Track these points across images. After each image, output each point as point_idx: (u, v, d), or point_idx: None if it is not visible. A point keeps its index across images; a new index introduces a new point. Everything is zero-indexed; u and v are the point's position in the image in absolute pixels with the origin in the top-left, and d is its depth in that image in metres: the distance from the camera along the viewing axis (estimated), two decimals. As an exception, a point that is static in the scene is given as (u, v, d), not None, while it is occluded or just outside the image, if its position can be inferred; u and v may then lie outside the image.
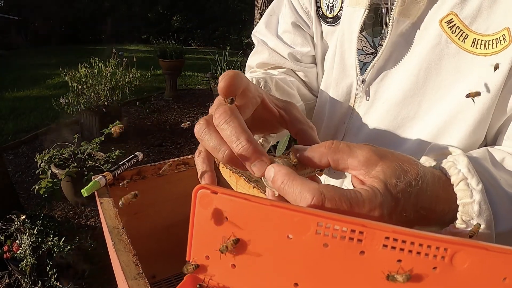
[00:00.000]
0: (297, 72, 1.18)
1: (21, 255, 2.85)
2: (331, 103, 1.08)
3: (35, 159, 3.89)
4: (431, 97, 0.90)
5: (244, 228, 0.55)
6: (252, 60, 1.23)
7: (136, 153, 1.13)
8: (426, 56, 0.87)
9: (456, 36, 0.83)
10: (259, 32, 1.22)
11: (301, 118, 0.69)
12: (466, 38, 0.82)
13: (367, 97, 0.99)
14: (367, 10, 0.93)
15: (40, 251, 2.89)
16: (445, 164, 0.63)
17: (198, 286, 0.59)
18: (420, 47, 0.89)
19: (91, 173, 3.79)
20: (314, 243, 0.52)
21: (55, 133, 6.77)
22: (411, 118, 0.93)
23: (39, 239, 2.94)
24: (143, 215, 1.09)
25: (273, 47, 1.18)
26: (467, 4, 0.81)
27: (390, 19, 0.89)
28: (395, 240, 0.49)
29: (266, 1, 6.43)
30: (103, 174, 1.02)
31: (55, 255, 2.93)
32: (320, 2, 1.08)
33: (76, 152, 4.12)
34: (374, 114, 0.99)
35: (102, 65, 6.35)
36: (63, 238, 2.99)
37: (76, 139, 4.12)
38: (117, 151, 4.00)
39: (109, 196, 0.96)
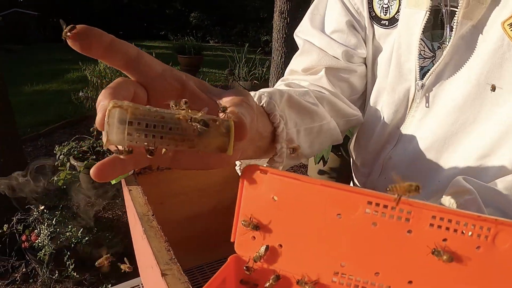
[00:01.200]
0: (346, 75, 1.07)
1: (39, 244, 2.87)
2: (385, 108, 1.03)
3: (54, 151, 3.92)
4: (492, 101, 0.85)
5: (292, 208, 0.56)
6: (297, 63, 1.12)
7: (162, 143, 1.13)
8: (488, 59, 0.83)
9: None
10: (304, 32, 1.11)
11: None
12: None
13: (427, 103, 0.95)
14: (428, 13, 0.88)
15: (58, 241, 2.92)
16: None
17: (244, 268, 0.59)
18: (481, 50, 0.85)
19: (110, 166, 3.81)
20: (363, 222, 0.53)
21: (73, 126, 6.84)
22: (470, 123, 0.90)
23: (58, 229, 2.97)
24: (169, 205, 1.10)
25: (322, 47, 1.06)
26: None
27: (454, 22, 0.84)
28: (441, 219, 0.50)
29: (285, -1, 6.42)
30: (132, 162, 1.03)
31: (73, 245, 2.95)
32: (372, 3, 1.02)
33: (95, 145, 4.15)
34: (432, 119, 0.95)
35: (121, 60, 6.39)
36: (81, 229, 3.01)
37: (95, 132, 4.15)
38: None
39: (137, 184, 0.97)
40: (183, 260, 0.72)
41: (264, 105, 0.72)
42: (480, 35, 0.84)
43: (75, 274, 2.89)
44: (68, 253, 2.90)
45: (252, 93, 0.73)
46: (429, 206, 0.51)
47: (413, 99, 0.97)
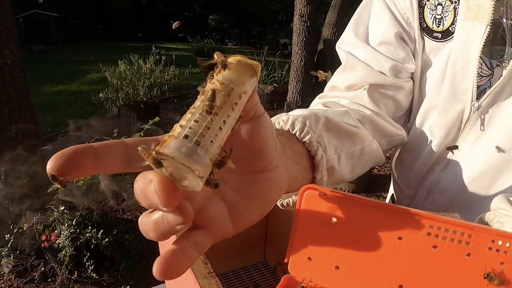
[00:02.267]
0: (392, 92, 1.00)
1: (59, 245, 2.89)
2: (435, 129, 0.96)
3: (74, 152, 3.94)
4: None
5: (351, 230, 0.55)
6: (340, 79, 1.03)
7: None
8: None
9: None
10: (347, 43, 1.04)
11: None
12: None
13: (482, 126, 0.89)
14: (489, 27, 0.80)
15: (78, 242, 2.93)
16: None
17: (300, 287, 0.57)
18: None
19: (130, 167, 3.83)
20: (424, 245, 0.52)
21: (93, 127, 6.88)
22: None
23: (78, 230, 2.98)
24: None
25: (368, 61, 0.98)
26: None
27: None
28: (500, 243, 0.49)
29: (305, 2, 6.40)
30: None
31: (92, 246, 2.96)
32: (423, 13, 0.94)
33: (115, 146, 4.17)
34: (486, 144, 0.89)
35: (142, 62, 6.43)
36: (101, 231, 3.03)
37: (115, 134, 4.17)
38: (156, 146, 4.02)
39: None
40: (217, 264, 0.69)
41: (297, 133, 0.67)
42: None
43: (94, 275, 2.90)
44: (88, 254, 2.90)
45: (284, 116, 0.69)
46: (489, 230, 0.50)
47: (467, 121, 0.90)
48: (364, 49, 0.99)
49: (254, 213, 0.48)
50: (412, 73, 1.00)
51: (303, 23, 6.44)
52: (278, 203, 0.70)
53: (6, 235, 3.07)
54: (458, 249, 0.51)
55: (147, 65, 6.40)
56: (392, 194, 1.19)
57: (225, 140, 0.39)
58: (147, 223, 0.41)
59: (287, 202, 0.70)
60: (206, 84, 0.42)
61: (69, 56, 14.13)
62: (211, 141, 0.37)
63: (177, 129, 0.37)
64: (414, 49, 0.97)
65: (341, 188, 4.12)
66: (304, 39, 6.53)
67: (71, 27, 20.18)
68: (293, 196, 0.69)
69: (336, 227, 0.55)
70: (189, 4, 22.43)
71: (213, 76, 0.42)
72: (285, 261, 0.59)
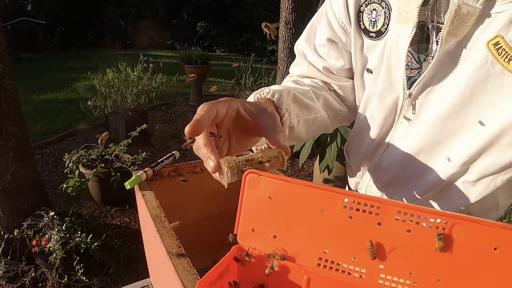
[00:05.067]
0: (332, 85, 1.27)
1: (50, 249, 2.94)
2: (376, 114, 1.13)
3: (64, 159, 4.00)
4: (476, 112, 0.94)
5: (284, 205, 0.68)
6: (293, 69, 1.35)
7: (173, 152, 1.22)
8: (472, 75, 0.91)
9: (502, 58, 0.86)
10: (300, 45, 1.30)
11: (270, 124, 0.84)
12: (511, 60, 0.85)
13: (413, 111, 1.04)
14: (415, 28, 0.96)
15: (68, 247, 2.99)
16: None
17: (244, 253, 0.71)
18: (465, 66, 0.92)
19: (118, 173, 3.90)
20: (341, 216, 0.65)
21: (82, 134, 6.93)
22: (456, 132, 0.98)
23: (67, 235, 3.04)
24: (178, 210, 1.17)
25: (310, 61, 1.26)
26: None
27: (439, 38, 0.92)
28: (405, 214, 0.61)
29: (290, 9, 6.48)
30: (144, 169, 1.11)
31: (82, 250, 3.03)
32: (363, 17, 1.11)
33: (103, 153, 4.24)
34: (419, 127, 1.04)
35: (129, 69, 6.47)
36: (91, 235, 3.09)
37: (103, 141, 4.24)
38: (144, 153, 4.09)
39: (150, 189, 1.05)
40: (192, 261, 0.80)
41: (274, 101, 1.00)
42: (465, 50, 0.92)
43: (84, 279, 2.96)
44: (78, 258, 2.96)
45: (267, 89, 1.02)
46: (395, 203, 0.61)
47: (401, 107, 1.06)
48: (309, 51, 1.27)
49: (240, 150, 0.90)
50: (348, 69, 1.23)
51: (288, 30, 6.51)
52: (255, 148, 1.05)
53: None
54: (370, 219, 0.63)
55: (135, 73, 6.44)
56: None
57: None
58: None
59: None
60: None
61: (57, 64, 14.13)
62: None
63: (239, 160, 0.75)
64: (350, 48, 1.18)
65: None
66: (290, 46, 6.59)
67: (59, 34, 20.11)
68: None
69: (272, 203, 0.69)
70: (177, 11, 22.44)
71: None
72: (235, 232, 0.73)
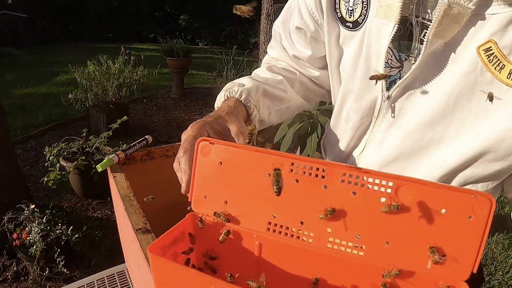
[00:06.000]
0: (301, 72, 1.25)
1: (30, 241, 2.93)
2: (352, 114, 1.07)
3: (44, 152, 3.97)
4: (460, 123, 0.87)
5: (234, 170, 0.71)
6: (268, 51, 1.34)
7: (146, 136, 1.22)
8: (459, 81, 0.83)
9: (492, 65, 0.79)
10: (278, 26, 1.26)
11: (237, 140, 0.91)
12: (502, 68, 0.78)
13: (392, 114, 0.98)
14: (396, 25, 0.88)
15: (49, 239, 2.97)
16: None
17: (198, 219, 0.73)
18: (452, 70, 0.85)
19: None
20: (288, 180, 0.66)
21: (63, 128, 6.88)
22: (437, 141, 0.92)
23: (48, 227, 3.02)
24: (152, 194, 1.18)
25: (284, 45, 1.24)
26: (507, 33, 0.77)
27: (425, 39, 0.85)
28: (350, 176, 0.62)
29: (272, 1, 6.49)
30: (116, 153, 1.12)
31: (63, 243, 3.02)
32: (339, 4, 1.03)
33: (84, 146, 4.21)
34: (398, 131, 0.98)
35: (110, 62, 6.44)
36: (71, 227, 3.08)
37: (84, 134, 4.22)
38: (124, 145, 4.08)
39: (122, 172, 1.06)
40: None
41: (242, 100, 1.05)
42: (453, 54, 0.85)
43: (65, 271, 2.95)
44: (58, 250, 2.95)
45: (236, 87, 1.07)
46: (340, 165, 0.63)
47: (379, 109, 1.00)
48: (284, 35, 1.24)
49: None
50: (320, 58, 1.20)
51: (270, 22, 6.51)
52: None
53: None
54: (316, 182, 0.65)
55: (116, 66, 6.40)
56: None
57: None
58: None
59: None
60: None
61: (38, 57, 13.98)
62: None
63: None
64: (320, 37, 1.14)
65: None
66: (271, 37, 6.59)
67: (41, 28, 19.88)
68: None
69: (223, 169, 0.71)
70: (160, 4, 22.30)
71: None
72: (189, 200, 0.76)
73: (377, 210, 0.61)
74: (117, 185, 0.99)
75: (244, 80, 1.14)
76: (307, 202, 0.66)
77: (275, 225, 0.69)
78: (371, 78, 0.93)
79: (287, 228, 0.68)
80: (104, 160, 1.08)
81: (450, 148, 0.90)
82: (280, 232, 0.69)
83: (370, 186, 0.61)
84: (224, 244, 0.74)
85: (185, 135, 0.89)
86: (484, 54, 0.79)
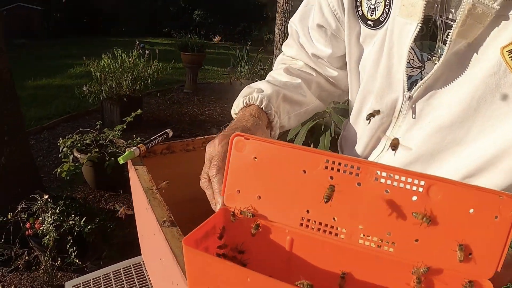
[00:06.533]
0: (319, 71, 1.23)
1: (43, 231, 2.94)
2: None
3: (58, 144, 3.99)
4: (482, 125, 0.86)
5: (269, 166, 0.71)
6: (284, 49, 1.32)
7: (166, 130, 1.23)
8: (482, 82, 0.82)
9: None
10: (294, 24, 1.24)
11: None
12: None
13: (413, 115, 0.96)
14: (419, 25, 0.87)
15: (62, 229, 2.99)
16: None
17: (231, 213, 0.74)
18: (475, 72, 0.84)
19: (112, 158, 3.90)
20: (323, 176, 0.67)
21: (76, 120, 6.91)
22: (457, 143, 0.91)
23: (61, 218, 3.03)
24: (171, 187, 1.18)
25: (302, 43, 1.22)
26: None
27: (448, 39, 0.83)
28: (384, 174, 0.63)
29: (288, -2, 6.48)
30: (138, 145, 1.12)
31: (75, 234, 3.03)
32: (361, 2, 1.02)
33: (98, 138, 4.23)
34: (419, 132, 0.97)
35: (125, 56, 6.46)
36: (84, 218, 3.10)
37: (98, 126, 4.24)
38: (138, 138, 4.09)
39: (143, 165, 1.07)
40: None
41: (263, 108, 1.05)
42: (475, 54, 0.83)
43: (77, 261, 2.96)
44: (71, 241, 2.97)
45: (255, 94, 1.06)
46: (374, 164, 0.64)
47: (400, 110, 0.99)
48: (302, 32, 1.22)
49: None
50: (340, 57, 1.18)
51: (285, 19, 6.49)
52: None
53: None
54: (350, 179, 0.65)
55: (130, 59, 6.43)
56: None
57: None
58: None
59: None
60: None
61: (52, 50, 14.06)
62: None
63: None
64: (341, 35, 1.13)
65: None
66: (287, 35, 6.55)
67: (55, 21, 19.98)
68: None
69: (257, 164, 0.72)
70: (174, -1, 22.32)
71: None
72: (221, 195, 0.76)
73: (408, 208, 0.62)
74: (139, 178, 0.99)
75: (263, 85, 1.12)
76: (340, 199, 0.66)
77: (308, 220, 0.70)
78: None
79: (320, 223, 0.69)
80: (126, 153, 1.09)
81: (471, 150, 0.89)
82: (313, 228, 0.70)
83: (402, 185, 0.62)
84: (254, 239, 0.74)
85: (213, 149, 0.89)
86: (508, 55, 0.78)
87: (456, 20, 0.81)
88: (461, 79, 0.86)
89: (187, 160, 1.22)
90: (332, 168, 0.66)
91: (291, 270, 0.74)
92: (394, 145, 1.00)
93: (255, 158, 0.71)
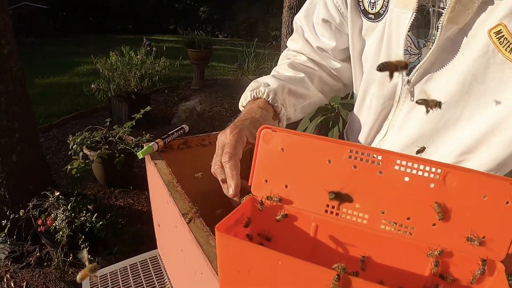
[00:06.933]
0: (323, 63, 1.30)
1: (56, 227, 2.96)
2: (374, 100, 1.14)
3: (68, 141, 4.01)
4: (475, 103, 0.92)
5: (295, 157, 0.75)
6: (289, 43, 1.39)
7: (182, 125, 1.24)
8: (473, 63, 0.89)
9: (503, 47, 0.83)
10: (300, 20, 1.32)
11: None
12: None
13: (412, 98, 1.04)
14: (414, 13, 0.95)
15: (73, 226, 3.02)
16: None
17: (260, 201, 0.77)
18: (466, 54, 0.90)
19: (122, 155, 3.93)
20: (347, 165, 0.71)
21: (85, 117, 6.94)
22: (455, 121, 0.97)
23: (73, 214, 3.06)
24: (187, 181, 1.19)
25: (307, 38, 1.30)
26: None
27: (439, 24, 0.90)
28: (404, 163, 0.67)
29: (294, -6, 6.47)
30: (156, 141, 1.14)
31: (87, 230, 3.07)
32: None
33: (107, 135, 4.25)
34: (418, 114, 1.04)
35: (133, 53, 6.48)
36: (95, 214, 3.13)
37: (108, 123, 4.26)
38: (147, 135, 4.11)
39: (162, 159, 1.08)
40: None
41: (270, 100, 1.12)
42: (466, 38, 0.90)
43: (89, 256, 2.97)
44: (83, 236, 2.99)
45: (262, 88, 1.13)
46: (394, 153, 0.68)
47: (400, 94, 1.06)
48: (307, 28, 1.30)
49: None
50: (343, 50, 1.25)
51: (292, 15, 6.48)
52: None
53: (2, 221, 3.13)
54: (373, 168, 0.70)
55: (138, 57, 6.45)
56: None
57: None
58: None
59: None
60: None
61: (59, 48, 14.09)
62: None
63: None
64: (345, 29, 1.20)
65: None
66: (293, 31, 6.57)
67: (61, 19, 20.02)
68: None
69: (284, 155, 0.75)
70: (179, -4, 22.30)
71: None
72: (249, 184, 0.80)
73: (426, 194, 0.66)
74: (159, 172, 1.01)
75: (269, 80, 1.19)
76: (363, 186, 0.70)
77: (333, 207, 0.74)
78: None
79: (344, 210, 0.73)
80: (145, 148, 1.10)
81: (467, 127, 0.96)
82: (338, 214, 0.74)
83: (420, 173, 0.66)
84: (280, 227, 0.78)
85: (225, 138, 0.96)
86: (495, 36, 0.84)
87: (446, 7, 0.88)
88: (454, 61, 0.94)
89: (204, 154, 1.23)
90: (356, 158, 0.70)
91: (316, 256, 0.77)
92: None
93: (282, 149, 0.75)
